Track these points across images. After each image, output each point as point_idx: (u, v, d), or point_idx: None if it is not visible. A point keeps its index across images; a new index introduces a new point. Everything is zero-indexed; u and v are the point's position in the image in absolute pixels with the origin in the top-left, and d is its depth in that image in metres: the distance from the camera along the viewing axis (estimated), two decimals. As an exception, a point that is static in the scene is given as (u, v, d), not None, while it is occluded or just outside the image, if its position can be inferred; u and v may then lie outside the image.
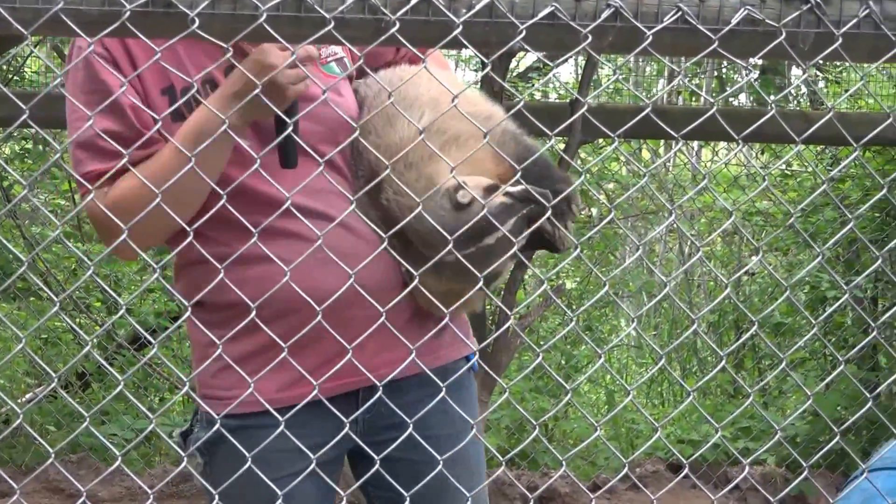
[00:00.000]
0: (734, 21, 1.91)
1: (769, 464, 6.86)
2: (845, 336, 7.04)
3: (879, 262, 7.32)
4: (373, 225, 2.42)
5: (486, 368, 2.92)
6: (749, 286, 8.18)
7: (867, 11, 1.92)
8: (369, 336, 2.34)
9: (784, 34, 1.90)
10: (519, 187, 2.37)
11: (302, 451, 2.32)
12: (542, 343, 7.19)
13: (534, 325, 6.93)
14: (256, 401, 2.33)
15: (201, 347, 2.54)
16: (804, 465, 6.84)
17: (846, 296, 7.18)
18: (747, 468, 6.71)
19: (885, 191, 2.53)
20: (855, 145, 2.33)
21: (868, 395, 7.25)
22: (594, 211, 8.45)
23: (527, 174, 2.36)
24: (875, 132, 2.28)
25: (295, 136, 2.33)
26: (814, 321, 6.33)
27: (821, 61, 1.97)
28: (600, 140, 6.81)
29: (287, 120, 2.30)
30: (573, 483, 6.09)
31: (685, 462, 6.29)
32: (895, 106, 7.51)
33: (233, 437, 2.34)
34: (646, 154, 9.15)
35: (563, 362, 7.57)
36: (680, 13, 1.90)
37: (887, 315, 7.30)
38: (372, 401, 2.51)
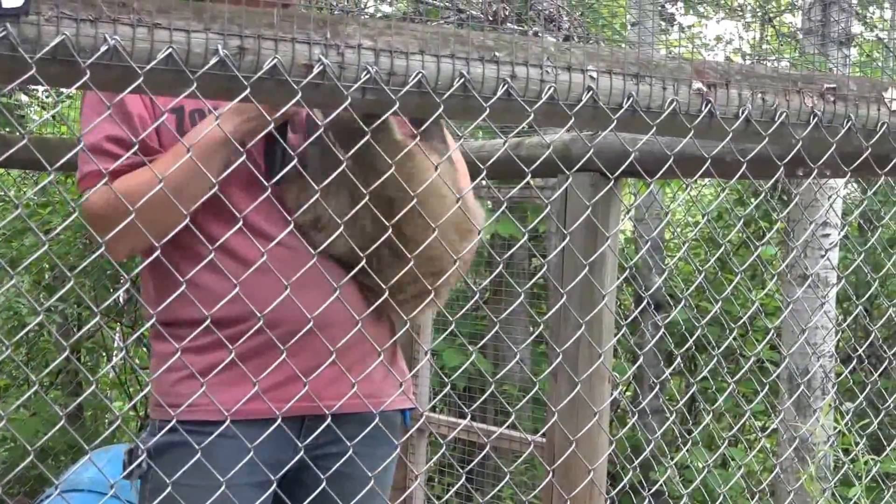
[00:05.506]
0: None
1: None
2: (47, 360, 7.13)
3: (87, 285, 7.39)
4: (340, 251, 2.57)
5: None
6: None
7: (4, 33, 1.87)
8: (327, 366, 2.46)
9: None
10: None
11: (246, 466, 2.43)
12: None
13: None
14: (214, 410, 2.43)
15: (164, 358, 2.61)
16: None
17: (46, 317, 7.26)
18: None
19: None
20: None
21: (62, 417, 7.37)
22: None
23: None
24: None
25: (286, 153, 2.48)
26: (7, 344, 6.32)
27: None
28: None
29: (276, 137, 2.46)
30: None
31: None
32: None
33: (185, 441, 2.36)
34: None
35: None
36: None
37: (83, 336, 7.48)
38: (321, 428, 2.58)
